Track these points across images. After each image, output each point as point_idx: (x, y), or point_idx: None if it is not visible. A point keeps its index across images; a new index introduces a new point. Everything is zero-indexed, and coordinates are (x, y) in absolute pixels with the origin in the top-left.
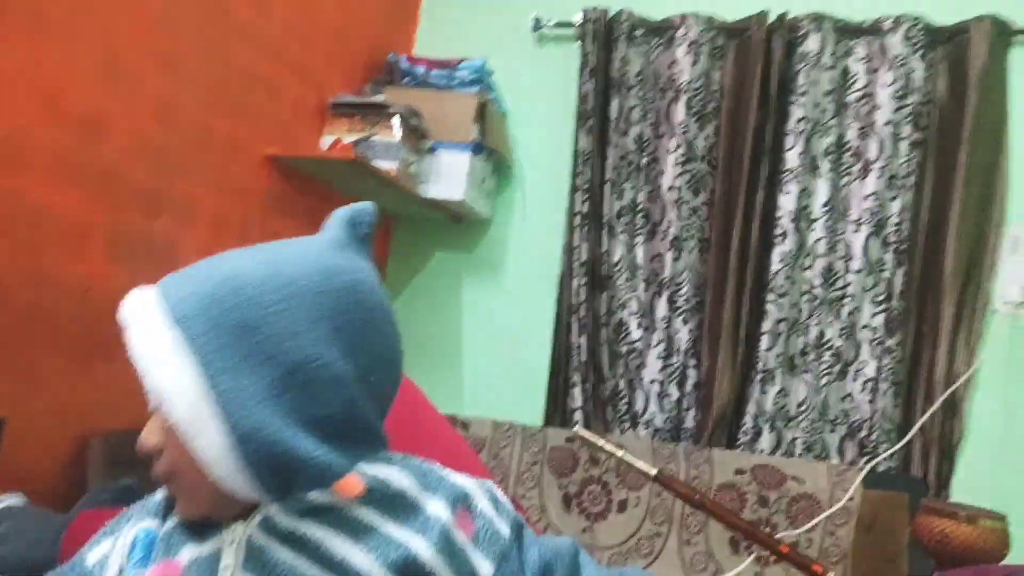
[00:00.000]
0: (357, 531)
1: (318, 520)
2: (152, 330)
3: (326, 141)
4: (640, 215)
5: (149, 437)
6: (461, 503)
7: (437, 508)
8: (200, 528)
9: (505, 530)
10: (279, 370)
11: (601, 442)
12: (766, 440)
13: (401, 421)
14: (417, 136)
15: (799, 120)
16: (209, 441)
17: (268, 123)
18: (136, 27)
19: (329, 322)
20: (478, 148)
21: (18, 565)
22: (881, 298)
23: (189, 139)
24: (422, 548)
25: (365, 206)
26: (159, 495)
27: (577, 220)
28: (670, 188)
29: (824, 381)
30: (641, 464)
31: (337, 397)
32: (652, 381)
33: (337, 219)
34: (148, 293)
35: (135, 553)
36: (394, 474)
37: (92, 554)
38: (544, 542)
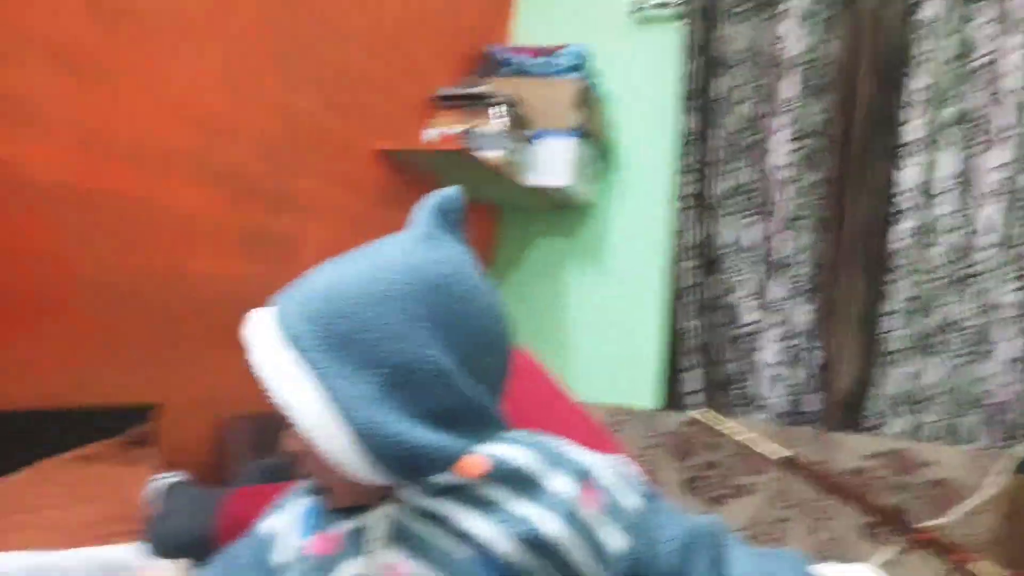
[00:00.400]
0: (484, 506)
1: (449, 497)
2: (271, 351)
3: (433, 134)
4: (750, 195)
5: (290, 443)
6: (584, 477)
7: (561, 484)
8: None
9: (634, 503)
10: (385, 372)
11: (722, 426)
12: (896, 424)
13: (532, 400)
14: (520, 124)
15: (918, 90)
16: (336, 444)
17: (377, 118)
18: (255, 31)
19: (425, 320)
20: (580, 134)
21: (182, 536)
22: (1019, 274)
23: (306, 137)
24: (549, 524)
25: (451, 192)
26: None
27: (683, 203)
28: (781, 166)
29: (957, 362)
30: (767, 448)
31: (444, 388)
32: (770, 364)
33: (424, 210)
34: (265, 314)
35: (301, 524)
36: (515, 452)
37: (265, 525)
38: (687, 519)
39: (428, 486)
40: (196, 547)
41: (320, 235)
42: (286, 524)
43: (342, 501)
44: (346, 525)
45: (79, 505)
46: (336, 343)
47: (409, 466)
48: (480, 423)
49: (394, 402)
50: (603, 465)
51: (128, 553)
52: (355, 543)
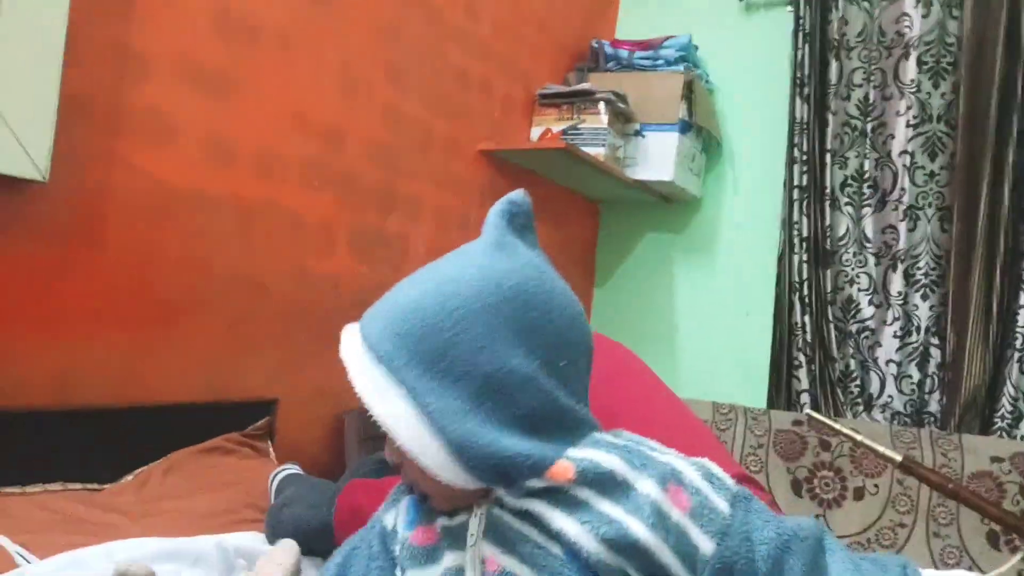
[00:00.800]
0: (573, 506)
1: (541, 498)
2: (364, 369)
3: (536, 132)
4: (867, 184)
5: (390, 455)
6: (672, 479)
7: (647, 486)
8: None
9: (723, 506)
10: (474, 384)
11: (837, 425)
12: None
13: (629, 398)
14: (623, 120)
15: None
16: (432, 456)
17: (481, 119)
18: (366, 40)
19: (505, 329)
20: (686, 127)
21: (300, 526)
22: None
23: (413, 140)
24: (636, 527)
25: (516, 195)
26: None
27: (795, 193)
28: (901, 153)
29: None
30: (884, 449)
31: (531, 394)
32: (888, 362)
33: (493, 218)
34: (354, 333)
35: (405, 516)
36: (602, 456)
37: (388, 517)
38: (783, 521)
39: (519, 490)
40: (313, 536)
41: (427, 235)
42: (400, 516)
43: (442, 505)
44: (446, 520)
45: (205, 494)
46: (423, 360)
47: (502, 473)
48: (569, 426)
49: (483, 413)
50: (688, 467)
51: (251, 539)
52: (454, 537)
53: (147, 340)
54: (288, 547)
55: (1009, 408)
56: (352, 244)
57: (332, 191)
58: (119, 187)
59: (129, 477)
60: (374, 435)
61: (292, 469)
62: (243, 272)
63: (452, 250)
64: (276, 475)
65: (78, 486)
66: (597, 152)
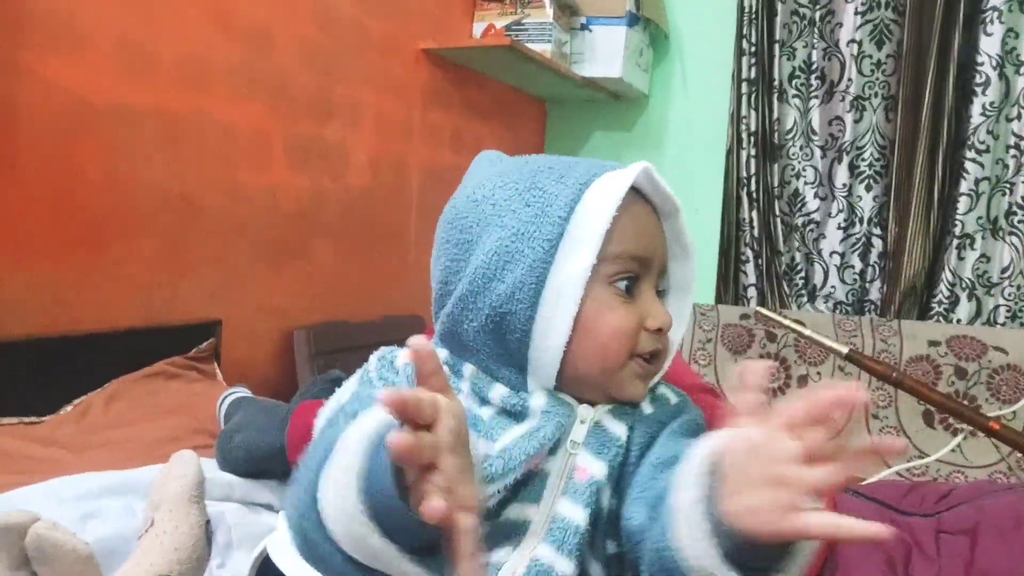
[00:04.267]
0: None
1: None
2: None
3: (478, 28)
4: (815, 75)
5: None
6: None
7: None
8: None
9: None
10: None
11: (786, 321)
12: (963, 309)
13: None
14: (569, 13)
15: None
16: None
17: (420, 16)
18: None
19: None
20: (633, 20)
21: (252, 448)
22: None
23: (348, 41)
24: None
25: None
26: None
27: (744, 87)
28: (849, 42)
29: None
30: (830, 342)
31: None
32: (832, 253)
33: None
34: None
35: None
36: None
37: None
38: None
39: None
40: (266, 460)
41: (368, 142)
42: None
43: (644, 392)
44: (518, 430)
45: (151, 422)
46: None
47: None
48: None
49: None
50: None
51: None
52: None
53: (74, 265)
54: (186, 458)
55: (947, 293)
56: (288, 155)
57: (263, 99)
58: (25, 101)
59: (68, 408)
60: (325, 351)
61: (241, 392)
62: (173, 189)
63: (393, 156)
64: (225, 398)
65: (14, 420)
66: (543, 48)
